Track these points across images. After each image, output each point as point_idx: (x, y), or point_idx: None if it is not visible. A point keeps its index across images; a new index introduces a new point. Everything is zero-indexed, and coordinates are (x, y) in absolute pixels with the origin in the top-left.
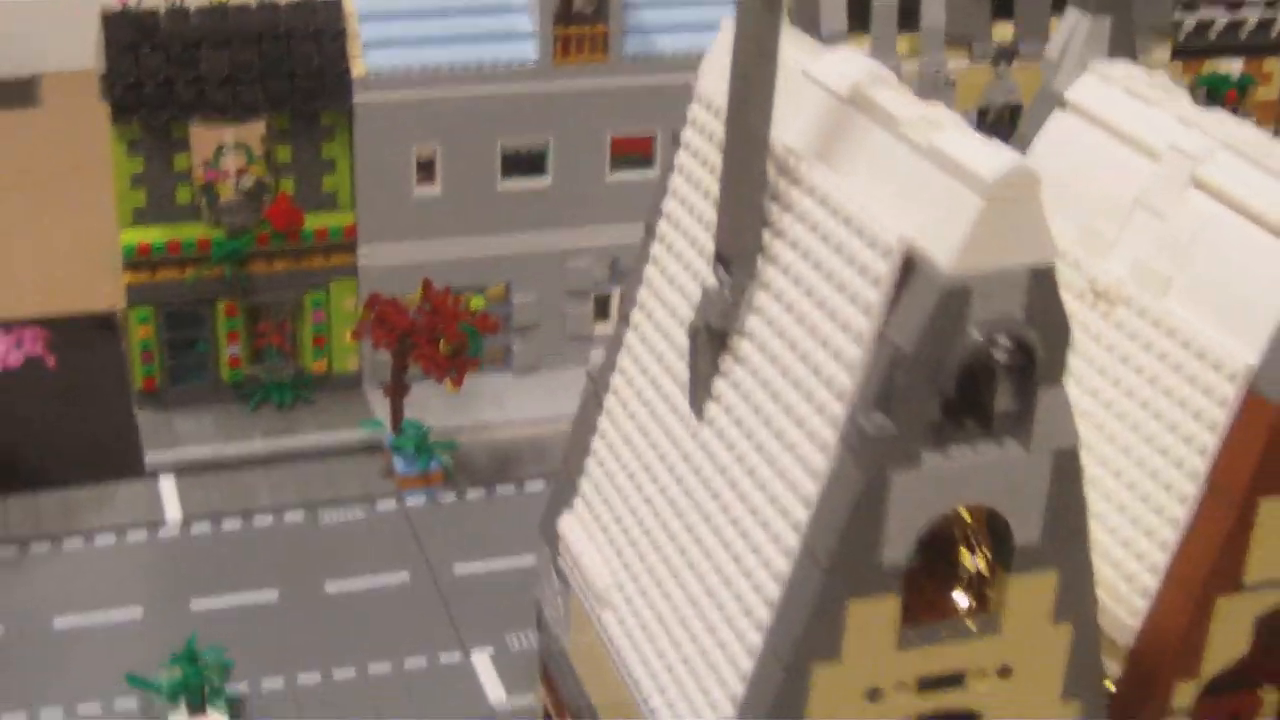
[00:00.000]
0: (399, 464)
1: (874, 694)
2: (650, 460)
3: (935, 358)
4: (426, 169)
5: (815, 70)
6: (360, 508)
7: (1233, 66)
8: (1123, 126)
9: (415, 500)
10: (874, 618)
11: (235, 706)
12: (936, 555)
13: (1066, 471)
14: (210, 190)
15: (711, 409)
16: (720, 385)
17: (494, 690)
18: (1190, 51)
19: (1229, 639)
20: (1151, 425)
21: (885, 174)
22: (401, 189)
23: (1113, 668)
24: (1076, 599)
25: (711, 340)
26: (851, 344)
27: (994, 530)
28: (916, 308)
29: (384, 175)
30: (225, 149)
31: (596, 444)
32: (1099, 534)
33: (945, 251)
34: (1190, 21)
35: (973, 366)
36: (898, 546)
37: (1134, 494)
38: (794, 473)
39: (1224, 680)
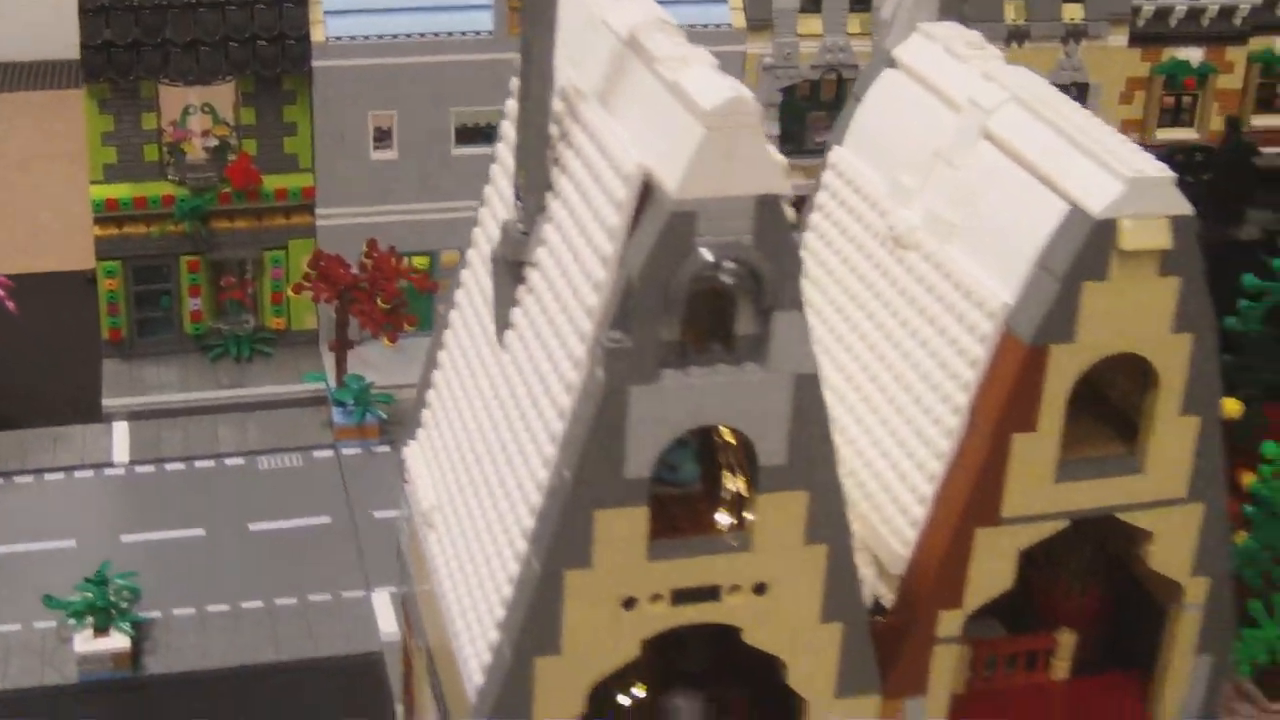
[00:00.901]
0: (338, 415)
1: (629, 602)
2: (468, 387)
3: (665, 278)
4: (384, 134)
5: (608, 16)
6: (298, 455)
7: (1193, 54)
8: (936, 82)
9: (351, 450)
10: (622, 528)
11: (140, 629)
12: (708, 476)
13: (807, 396)
14: (176, 149)
15: (509, 336)
16: (516, 313)
17: (386, 624)
18: (1149, 38)
19: (991, 571)
20: (927, 362)
21: (642, 110)
22: (359, 153)
23: (889, 596)
24: (828, 521)
25: (508, 271)
26: (599, 266)
27: (748, 452)
28: (649, 231)
29: (342, 139)
30: (192, 110)
31: (435, 376)
32: (878, 463)
33: (672, 178)
34: (1150, 8)
35: (707, 289)
36: (640, 460)
37: (909, 426)
38: (554, 389)
39: (1022, 622)
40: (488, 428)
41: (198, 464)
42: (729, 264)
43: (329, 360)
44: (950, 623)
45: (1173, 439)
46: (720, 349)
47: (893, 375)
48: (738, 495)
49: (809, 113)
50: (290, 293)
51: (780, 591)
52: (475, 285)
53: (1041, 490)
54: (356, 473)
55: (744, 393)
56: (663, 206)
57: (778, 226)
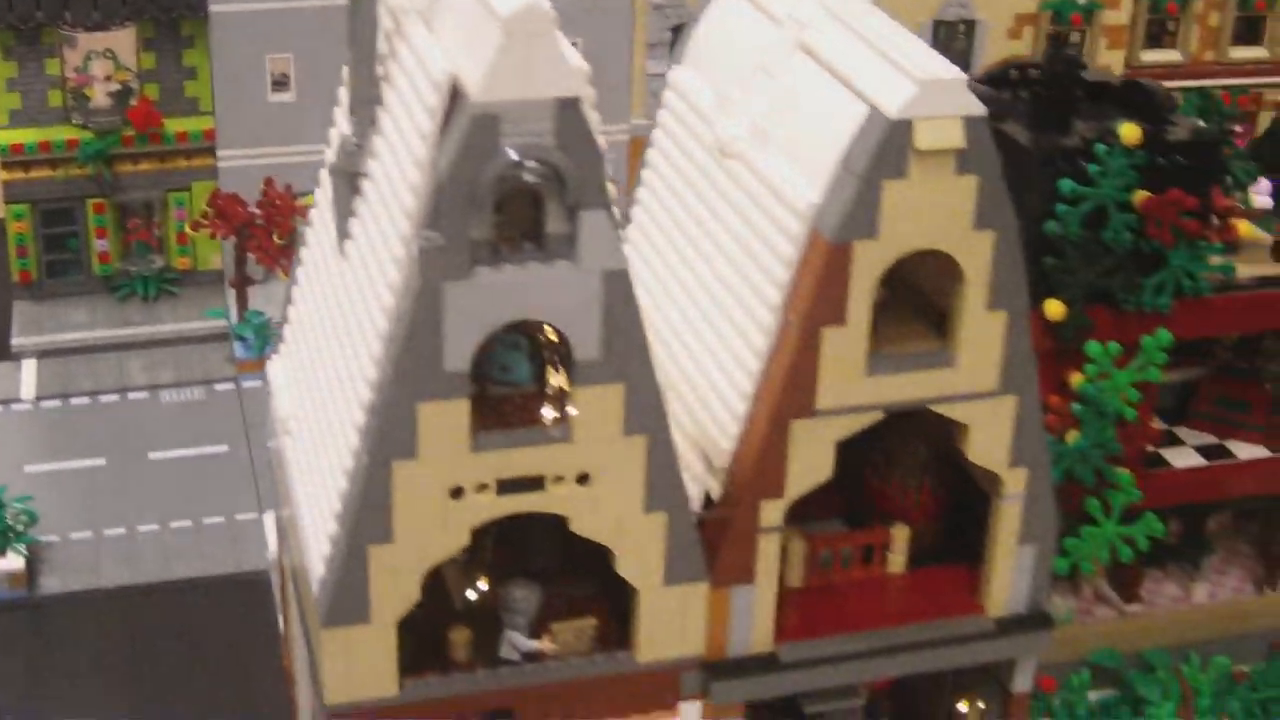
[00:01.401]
0: (239, 349)
1: (456, 492)
2: (318, 298)
3: (471, 178)
4: (282, 77)
5: None
6: (200, 389)
7: None
8: (762, 2)
9: (251, 383)
10: (445, 420)
11: (36, 551)
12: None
13: (617, 291)
14: (80, 94)
15: (348, 245)
16: (353, 223)
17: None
18: None
19: (810, 462)
20: (747, 264)
21: (456, 22)
22: (257, 96)
23: (718, 489)
24: (646, 413)
25: (345, 182)
26: (415, 170)
27: (566, 347)
28: (455, 133)
29: (240, 82)
30: (94, 55)
31: (294, 292)
32: (706, 361)
33: (475, 82)
34: None
35: (518, 189)
36: (458, 354)
37: (732, 326)
38: (380, 289)
39: (857, 515)
40: (330, 334)
41: (102, 398)
42: (531, 163)
43: (232, 298)
44: (772, 512)
45: (981, 333)
46: (533, 247)
47: (718, 278)
48: (561, 390)
49: None
50: (189, 230)
51: (603, 481)
52: (325, 202)
53: (854, 383)
54: (256, 405)
55: (555, 289)
56: (466, 109)
57: (578, 128)
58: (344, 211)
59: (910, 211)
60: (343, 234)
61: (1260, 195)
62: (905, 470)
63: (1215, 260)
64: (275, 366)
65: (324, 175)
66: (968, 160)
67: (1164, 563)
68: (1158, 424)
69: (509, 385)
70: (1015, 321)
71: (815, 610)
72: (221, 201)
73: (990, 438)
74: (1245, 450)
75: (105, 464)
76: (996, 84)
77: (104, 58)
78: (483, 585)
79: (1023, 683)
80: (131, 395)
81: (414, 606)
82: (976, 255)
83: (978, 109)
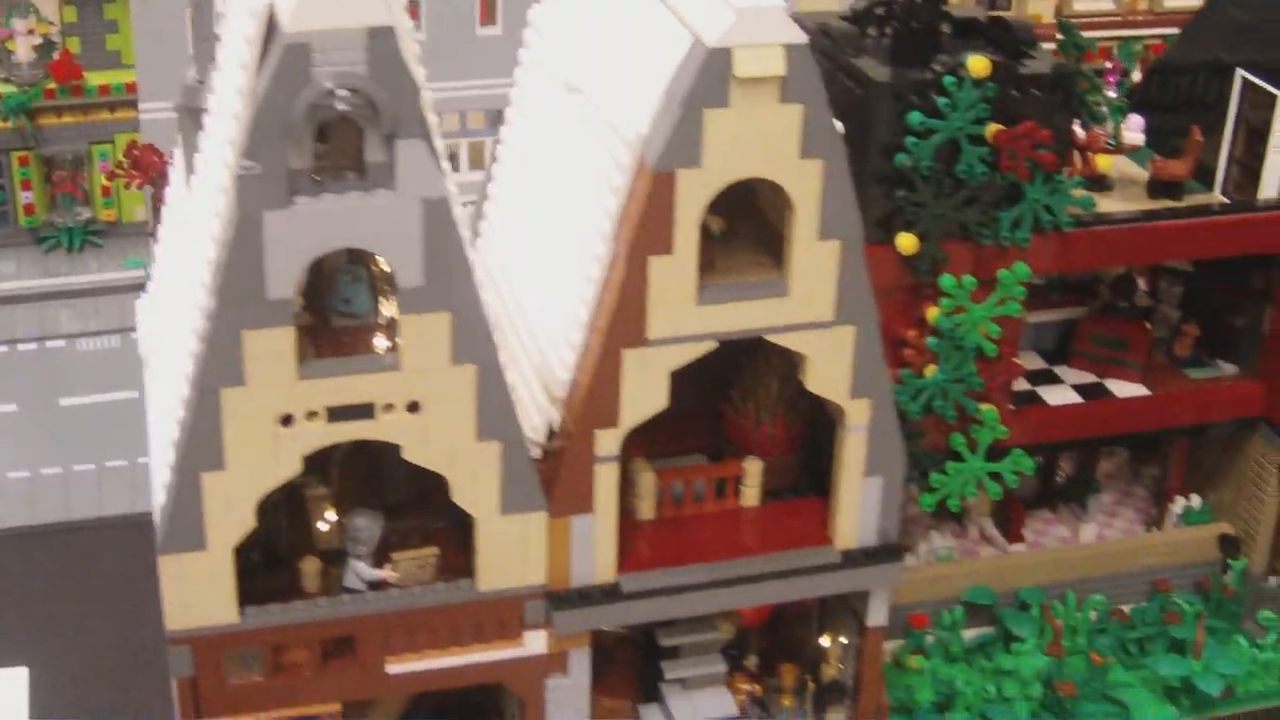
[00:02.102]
0: None
1: (286, 419)
2: (173, 236)
3: (284, 107)
4: None
5: None
6: (117, 337)
7: None
8: None
9: None
10: (271, 348)
11: None
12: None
13: (437, 219)
14: (2, 48)
15: (194, 180)
16: (197, 158)
17: None
18: None
19: (643, 391)
20: (585, 195)
21: None
22: (179, 48)
23: (558, 419)
24: (473, 341)
25: (190, 119)
26: (238, 99)
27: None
28: (270, 63)
29: (162, 35)
30: (16, 10)
31: (160, 232)
32: (549, 293)
33: (287, 11)
34: None
35: (339, 119)
36: (281, 282)
37: (572, 256)
38: (210, 219)
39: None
40: (179, 268)
41: (20, 347)
42: (344, 92)
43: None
44: (608, 441)
45: (814, 263)
46: (354, 176)
47: (563, 210)
48: (392, 320)
49: None
50: (105, 180)
51: (434, 409)
52: (178, 142)
53: (685, 312)
54: None
55: (375, 217)
56: (279, 40)
57: (391, 58)
58: (190, 148)
59: (734, 140)
60: (189, 169)
61: (1132, 131)
62: (759, 404)
63: (1078, 194)
64: (141, 304)
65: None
66: (791, 88)
67: (1054, 504)
68: (1035, 361)
69: (350, 317)
70: (849, 251)
71: (662, 542)
72: (138, 152)
73: (829, 368)
74: (1124, 388)
75: (16, 410)
76: (862, 21)
77: (26, 12)
78: (332, 516)
79: (877, 616)
80: (49, 344)
81: (280, 539)
82: (805, 184)
83: (798, 37)
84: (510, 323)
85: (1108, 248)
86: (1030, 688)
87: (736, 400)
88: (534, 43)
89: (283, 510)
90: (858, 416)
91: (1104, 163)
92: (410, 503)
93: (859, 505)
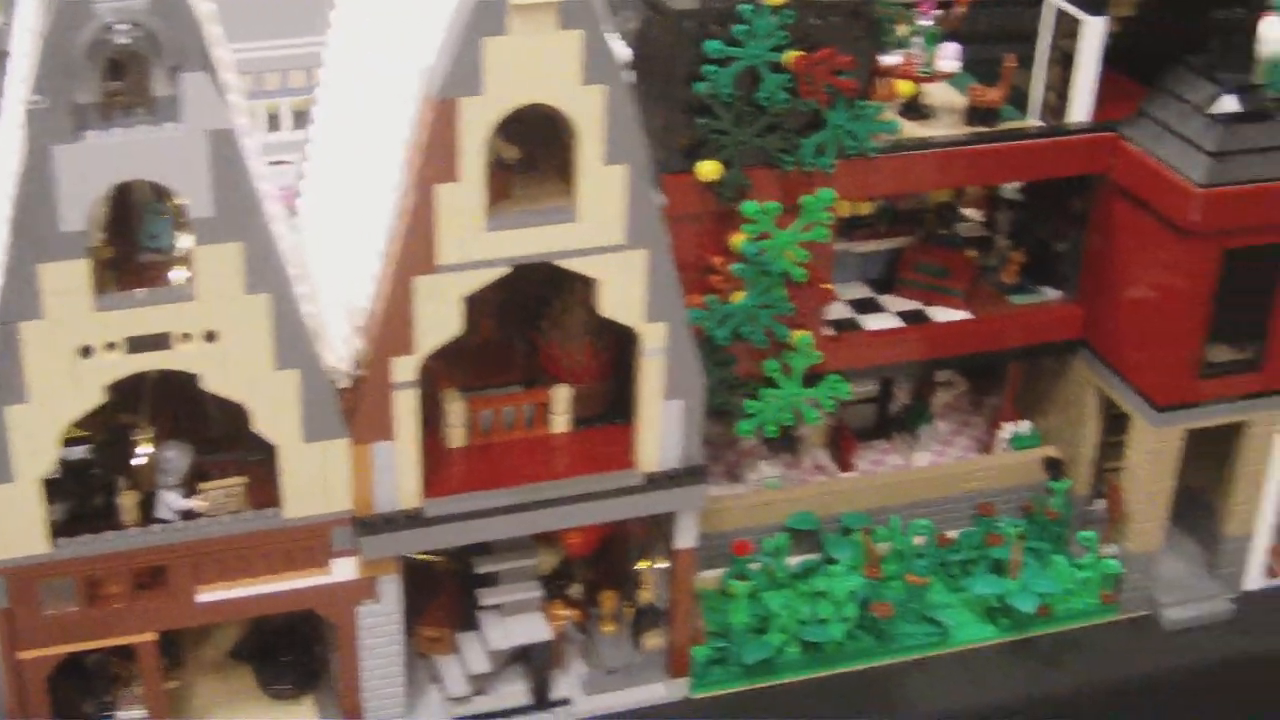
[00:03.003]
0: None
1: (85, 351)
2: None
3: (68, 41)
4: None
5: None
6: None
7: None
8: None
9: None
10: (66, 281)
11: None
12: None
13: (224, 151)
14: None
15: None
16: (2, 100)
17: None
18: None
19: (437, 318)
20: (383, 127)
21: None
22: None
23: (360, 347)
24: (267, 271)
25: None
26: (29, 36)
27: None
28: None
29: None
30: None
31: None
32: (356, 224)
33: None
34: None
35: (115, 52)
36: (74, 215)
37: (375, 188)
38: (10, 155)
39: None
40: None
41: None
42: (124, 26)
43: None
44: (404, 368)
45: (601, 188)
46: (143, 111)
47: (367, 149)
48: (190, 251)
49: None
50: None
51: (230, 339)
52: None
53: (474, 239)
54: None
55: (163, 149)
56: None
57: None
58: None
59: (514, 67)
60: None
61: (947, 59)
62: (567, 332)
63: (885, 118)
64: None
65: None
66: (569, 15)
67: (889, 434)
68: (862, 291)
69: (156, 252)
70: (636, 175)
71: (471, 468)
72: None
73: (622, 292)
74: (946, 315)
75: None
76: None
77: None
78: (149, 450)
79: (685, 539)
80: None
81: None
82: (588, 110)
83: None
84: (323, 257)
85: (916, 173)
86: (845, 609)
87: (546, 330)
88: None
89: (106, 445)
90: (654, 340)
91: (906, 88)
92: (229, 436)
93: (660, 429)
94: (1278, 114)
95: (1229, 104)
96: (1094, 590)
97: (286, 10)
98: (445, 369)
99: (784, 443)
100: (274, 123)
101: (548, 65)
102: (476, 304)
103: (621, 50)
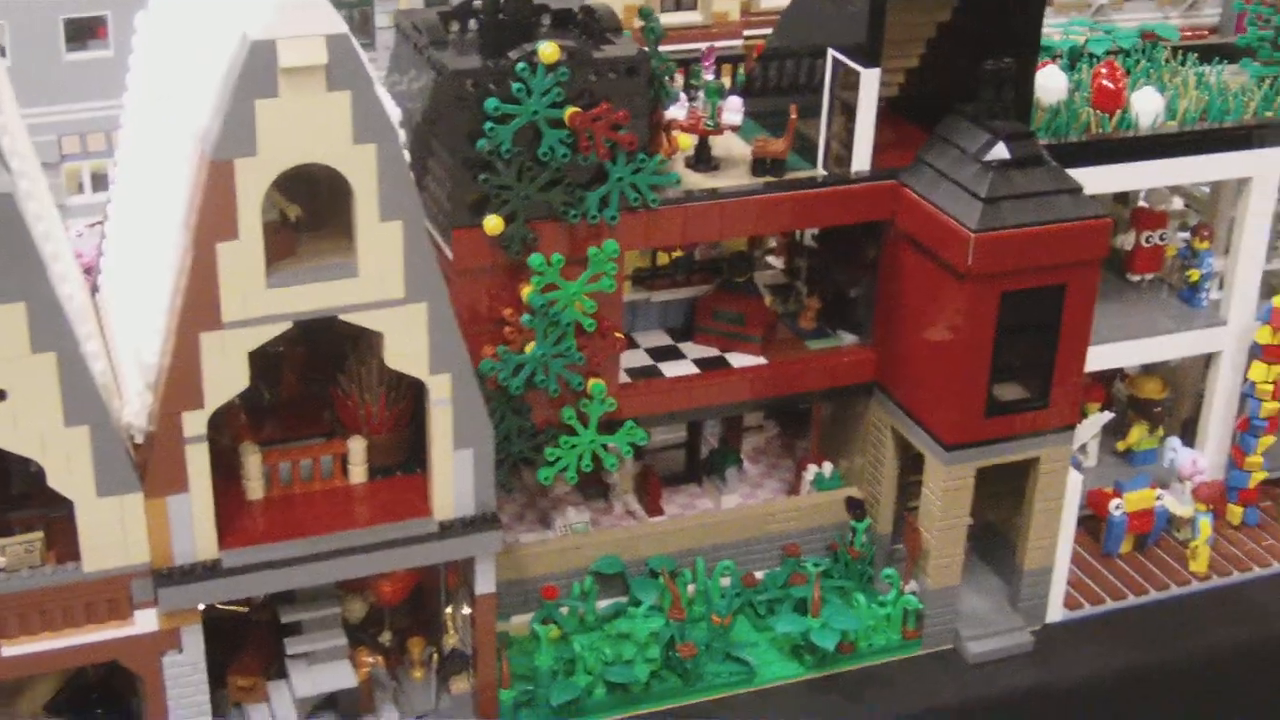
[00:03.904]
0: None
1: None
2: None
3: None
4: None
5: None
6: None
7: None
8: None
9: None
10: None
11: None
12: None
13: (4, 215)
14: None
15: None
16: None
17: None
18: None
19: (225, 373)
20: (167, 186)
21: None
22: None
23: (151, 403)
24: (51, 330)
25: None
26: None
27: None
28: None
29: None
30: None
31: None
32: (145, 281)
33: None
34: None
35: None
36: None
37: (161, 245)
38: None
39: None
40: None
41: None
42: None
43: None
44: (195, 423)
45: (379, 243)
46: None
47: (155, 208)
48: None
49: None
50: None
51: (19, 397)
52: None
53: (257, 295)
54: None
55: None
56: None
57: None
58: None
59: (286, 128)
60: None
61: (730, 112)
62: (363, 385)
63: (666, 171)
64: None
65: None
66: (337, 76)
67: (699, 479)
68: (661, 339)
69: None
70: (411, 231)
71: (267, 520)
72: None
73: (406, 344)
74: (743, 361)
75: None
76: (449, 17)
77: None
78: None
79: (484, 584)
80: None
81: None
82: (361, 168)
83: (339, 27)
84: (122, 315)
85: (702, 223)
86: (648, 650)
87: (343, 383)
88: (136, 54)
89: None
90: (440, 390)
91: (685, 141)
92: (31, 492)
93: (453, 477)
94: (1048, 160)
95: (1001, 151)
96: (896, 626)
97: (86, 75)
98: (251, 423)
99: (596, 489)
100: (79, 187)
101: (319, 125)
102: (281, 358)
103: (393, 109)
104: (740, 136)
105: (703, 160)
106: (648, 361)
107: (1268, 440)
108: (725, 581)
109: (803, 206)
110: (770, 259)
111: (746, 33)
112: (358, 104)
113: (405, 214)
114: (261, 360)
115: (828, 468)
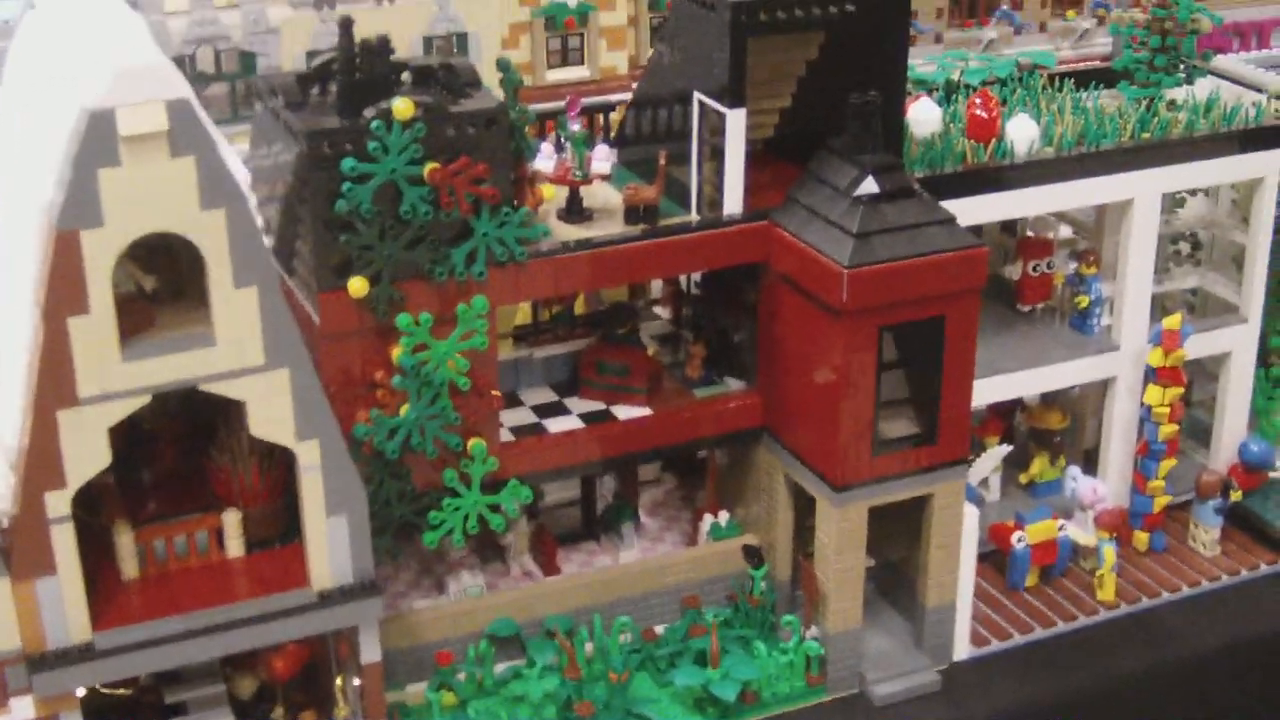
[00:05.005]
0: None
1: None
2: None
3: None
4: None
5: None
6: None
7: None
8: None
9: None
10: None
11: None
12: None
13: None
14: None
15: None
16: None
17: None
18: None
19: (85, 450)
20: (21, 262)
21: None
22: None
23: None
24: None
25: None
26: None
27: None
28: None
29: None
30: None
31: None
32: (5, 362)
33: None
34: None
35: None
36: None
37: (17, 320)
38: None
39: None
40: None
41: None
42: None
43: None
44: (58, 503)
45: (235, 310)
46: None
47: (9, 277)
48: None
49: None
50: None
51: None
52: None
53: (112, 369)
54: None
55: None
56: None
57: None
58: None
59: (131, 197)
60: None
61: (599, 161)
62: (235, 455)
63: (533, 224)
64: None
65: None
66: (180, 142)
67: (597, 535)
68: (547, 395)
69: None
70: (267, 296)
71: (144, 598)
72: None
73: (270, 412)
74: (629, 413)
75: None
76: (307, 80)
77: None
78: None
79: (369, 653)
80: None
81: None
82: (211, 234)
83: (180, 92)
84: None
85: (574, 274)
86: (543, 711)
87: (215, 454)
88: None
89: None
90: (309, 457)
91: (548, 192)
92: None
93: (328, 545)
94: (919, 192)
95: (870, 185)
96: (800, 673)
97: None
98: (130, 500)
99: (492, 552)
100: None
101: (164, 192)
102: (158, 433)
103: (241, 172)
104: (613, 186)
105: (574, 211)
106: (532, 419)
107: (1169, 464)
108: (626, 637)
109: (676, 252)
110: (657, 309)
111: (635, 85)
112: (202, 169)
113: (260, 279)
114: (137, 436)
115: (724, 517)
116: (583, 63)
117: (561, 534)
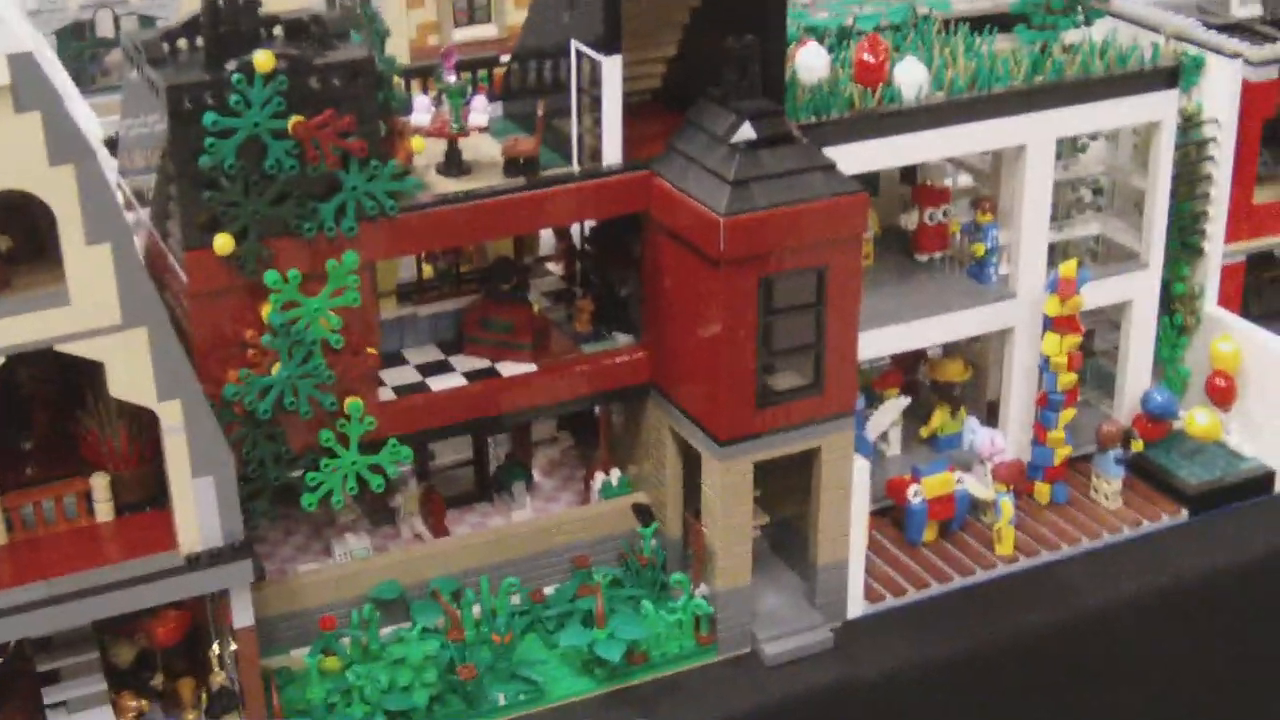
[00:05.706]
0: None
1: None
2: None
3: None
4: None
5: None
6: None
7: None
8: None
9: None
10: None
11: None
12: None
13: None
14: None
15: None
16: None
17: None
18: None
19: None
20: None
21: None
22: None
23: None
24: None
25: None
26: None
27: None
28: None
29: None
30: None
31: None
32: None
33: None
34: None
35: None
36: None
37: None
38: None
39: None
40: None
41: None
42: None
43: None
44: None
45: (89, 268)
46: None
47: None
48: None
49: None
50: None
51: None
52: None
53: None
54: None
55: None
56: None
57: None
58: None
59: None
60: None
61: (476, 113)
62: (102, 420)
63: (403, 177)
64: None
65: None
66: (24, 97)
67: (490, 495)
68: (432, 353)
69: None
70: (122, 253)
71: (12, 564)
72: None
73: (129, 372)
74: (514, 369)
75: None
76: (188, 32)
77: None
78: None
79: (242, 618)
80: None
81: None
82: (60, 191)
83: (21, 46)
84: None
85: (451, 227)
86: (424, 674)
87: (83, 419)
88: None
89: None
90: (171, 417)
91: (418, 145)
92: None
93: (196, 508)
94: (799, 138)
95: (747, 131)
96: (689, 632)
97: None
98: (2, 466)
99: (383, 515)
100: None
101: (10, 148)
102: (32, 399)
103: (93, 126)
104: (495, 138)
105: (453, 165)
106: (416, 378)
107: (1068, 414)
108: (515, 599)
109: (555, 203)
110: (550, 265)
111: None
112: (50, 124)
113: (113, 235)
114: (15, 401)
115: (615, 475)
116: (490, 20)
117: (455, 496)
